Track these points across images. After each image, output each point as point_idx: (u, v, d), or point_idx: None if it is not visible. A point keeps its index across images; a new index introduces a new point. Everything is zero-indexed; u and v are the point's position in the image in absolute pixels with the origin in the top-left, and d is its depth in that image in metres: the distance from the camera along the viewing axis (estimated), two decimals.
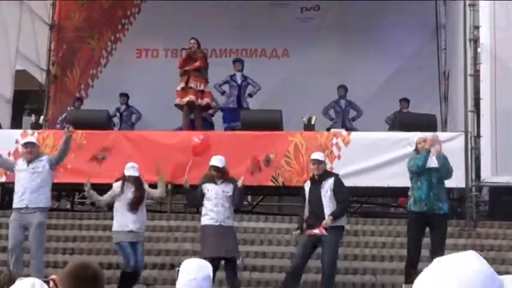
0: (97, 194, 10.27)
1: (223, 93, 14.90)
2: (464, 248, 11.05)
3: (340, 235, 9.77)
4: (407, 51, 16.58)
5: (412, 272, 9.21)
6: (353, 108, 15.12)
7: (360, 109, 15.09)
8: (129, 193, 9.96)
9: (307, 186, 9.76)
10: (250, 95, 14.87)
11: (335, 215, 9.41)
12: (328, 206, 9.42)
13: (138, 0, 17.87)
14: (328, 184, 9.50)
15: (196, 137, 12.12)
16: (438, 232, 9.41)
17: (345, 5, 16.68)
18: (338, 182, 9.62)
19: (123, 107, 15.78)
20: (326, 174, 9.75)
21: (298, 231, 9.73)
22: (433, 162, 9.32)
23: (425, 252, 9.58)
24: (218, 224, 9.55)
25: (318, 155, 9.86)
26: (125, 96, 15.89)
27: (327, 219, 9.33)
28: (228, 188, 9.69)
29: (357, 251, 11.18)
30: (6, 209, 12.18)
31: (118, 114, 15.63)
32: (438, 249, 9.20)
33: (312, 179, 9.73)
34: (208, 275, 3.75)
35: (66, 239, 11.61)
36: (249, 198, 14.41)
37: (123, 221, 9.90)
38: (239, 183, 9.78)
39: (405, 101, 15.13)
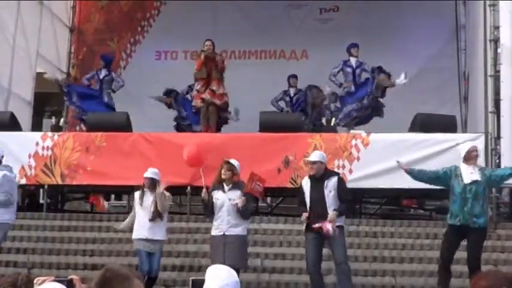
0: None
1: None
2: (485, 249, 10.95)
3: (343, 234, 9.49)
4: (427, 52, 16.51)
5: (444, 275, 9.17)
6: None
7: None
8: (149, 201, 9.82)
9: (306, 183, 9.46)
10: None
11: (340, 210, 9.19)
12: (332, 205, 9.18)
13: (157, 3, 17.95)
14: (332, 183, 9.27)
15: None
16: (473, 246, 9.20)
17: (364, 5, 16.65)
18: (341, 181, 9.46)
19: (103, 72, 14.99)
20: (328, 173, 9.54)
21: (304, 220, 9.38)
22: (471, 178, 9.16)
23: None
24: (222, 233, 9.27)
25: (312, 156, 9.61)
26: (108, 60, 15.37)
27: (332, 214, 9.08)
28: (234, 196, 9.27)
29: (376, 253, 11.13)
30: (27, 211, 12.29)
31: (97, 77, 14.96)
32: (473, 263, 9.10)
33: (313, 177, 9.43)
34: (237, 281, 3.75)
35: (86, 241, 11.65)
36: (269, 199, 14.41)
37: (140, 228, 9.82)
38: (240, 203, 9.23)
39: (293, 77, 15.08)
